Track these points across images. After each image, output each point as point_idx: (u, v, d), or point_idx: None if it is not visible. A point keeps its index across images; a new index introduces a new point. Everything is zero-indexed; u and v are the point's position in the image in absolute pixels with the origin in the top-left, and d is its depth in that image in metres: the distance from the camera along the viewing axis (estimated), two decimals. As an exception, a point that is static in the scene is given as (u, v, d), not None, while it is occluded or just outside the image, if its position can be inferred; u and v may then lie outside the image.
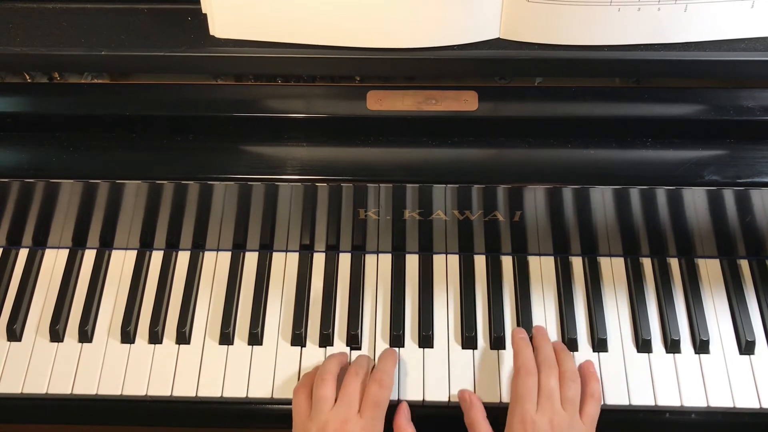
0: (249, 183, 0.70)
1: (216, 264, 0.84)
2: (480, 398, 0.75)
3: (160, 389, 0.76)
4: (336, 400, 0.70)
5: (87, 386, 0.76)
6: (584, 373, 0.75)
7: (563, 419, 0.70)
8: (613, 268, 0.83)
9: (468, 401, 0.74)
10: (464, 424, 0.75)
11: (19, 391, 0.76)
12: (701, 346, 0.77)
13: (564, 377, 0.73)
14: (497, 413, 0.73)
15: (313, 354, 0.78)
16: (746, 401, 0.74)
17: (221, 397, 0.76)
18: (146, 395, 0.76)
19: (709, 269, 0.82)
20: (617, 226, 0.78)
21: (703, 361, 0.77)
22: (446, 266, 0.83)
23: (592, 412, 0.72)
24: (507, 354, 0.77)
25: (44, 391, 0.76)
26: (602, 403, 0.74)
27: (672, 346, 0.77)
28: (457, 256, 0.83)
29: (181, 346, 0.79)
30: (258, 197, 0.73)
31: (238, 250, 0.84)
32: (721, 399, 0.74)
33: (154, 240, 0.83)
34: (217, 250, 0.84)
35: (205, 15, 0.65)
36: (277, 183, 0.69)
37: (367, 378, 0.73)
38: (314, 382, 0.72)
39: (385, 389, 0.71)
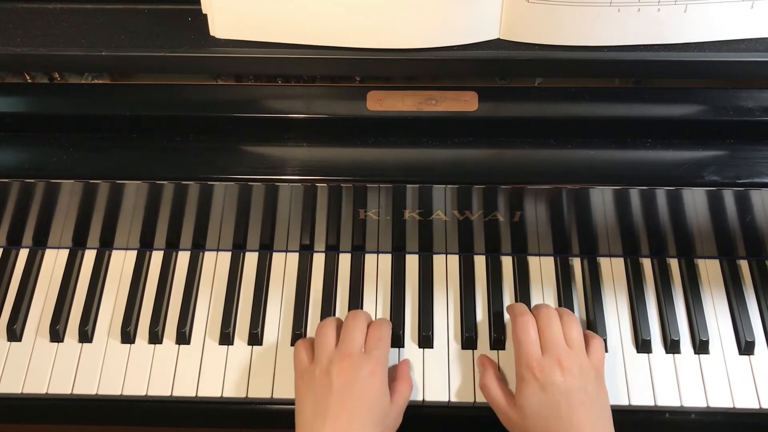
0: (249, 183, 0.70)
1: (216, 264, 0.84)
2: (493, 362, 0.75)
3: (160, 389, 0.76)
4: (338, 343, 0.71)
5: (87, 386, 0.76)
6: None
7: (572, 359, 0.68)
8: (612, 268, 0.83)
9: (481, 365, 0.75)
10: (464, 424, 0.75)
11: (19, 391, 0.76)
12: (701, 347, 0.77)
13: (563, 319, 0.72)
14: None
15: (313, 354, 0.78)
16: (746, 401, 0.74)
17: (221, 397, 0.76)
18: (146, 395, 0.76)
19: (709, 270, 0.82)
20: (617, 227, 0.78)
21: (702, 361, 0.77)
22: (446, 266, 0.83)
23: (599, 353, 0.72)
24: (507, 354, 0.77)
25: (44, 391, 0.76)
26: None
27: (672, 346, 0.77)
28: (457, 257, 0.83)
29: (181, 346, 0.79)
30: (258, 197, 0.73)
31: (238, 250, 0.84)
32: (720, 399, 0.75)
33: (154, 240, 0.83)
34: (217, 250, 0.84)
35: (205, 15, 0.65)
36: (277, 183, 0.69)
37: (365, 324, 0.74)
38: (316, 329, 0.73)
39: (384, 327, 0.73)
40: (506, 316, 0.80)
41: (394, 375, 0.74)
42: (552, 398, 0.66)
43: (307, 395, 0.68)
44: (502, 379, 0.75)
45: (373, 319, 0.79)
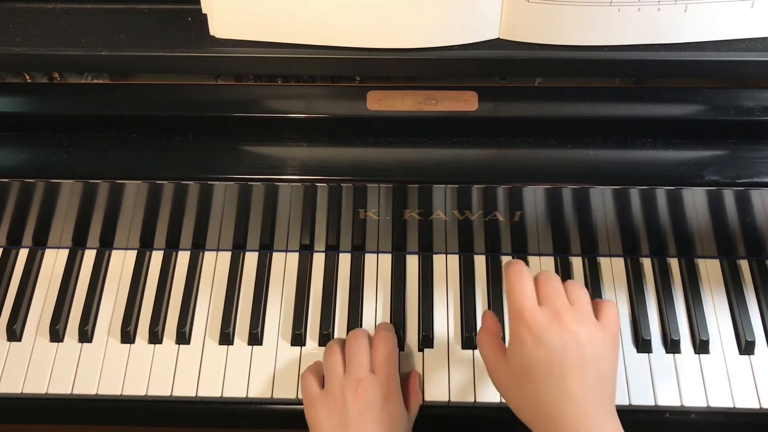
0: (249, 183, 0.70)
1: (216, 264, 0.84)
2: (495, 320, 0.69)
3: (160, 389, 0.76)
4: (345, 369, 0.70)
5: (87, 386, 0.76)
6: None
7: (574, 315, 0.59)
8: (613, 268, 0.83)
9: (482, 320, 0.69)
10: (464, 425, 0.75)
11: (19, 391, 0.76)
12: (701, 346, 0.77)
13: (568, 283, 0.63)
14: (500, 414, 0.73)
15: (313, 354, 0.78)
16: (746, 401, 0.74)
17: (221, 397, 0.76)
18: (146, 395, 0.76)
19: (709, 269, 0.82)
20: (617, 226, 0.78)
21: (703, 361, 0.77)
22: (446, 266, 0.83)
23: (613, 317, 0.62)
24: (507, 354, 0.78)
25: (44, 391, 0.76)
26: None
27: (672, 346, 0.77)
28: (457, 256, 0.83)
29: (181, 346, 0.79)
30: (258, 197, 0.73)
31: (238, 250, 0.84)
32: (720, 399, 0.74)
33: (154, 240, 0.83)
34: (217, 250, 0.84)
35: (205, 15, 0.65)
36: (277, 183, 0.69)
37: (369, 342, 0.73)
38: (323, 356, 0.73)
39: (390, 342, 0.72)
40: (506, 315, 0.79)
41: (405, 388, 0.73)
42: (545, 356, 0.58)
43: (323, 425, 0.67)
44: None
45: (374, 321, 0.79)
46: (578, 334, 0.59)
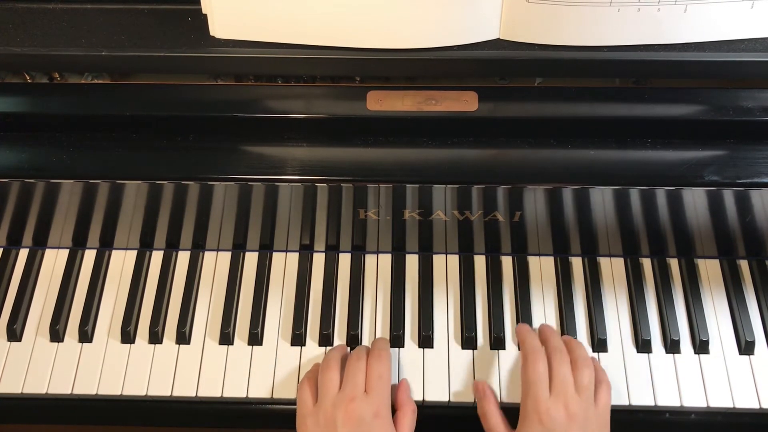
0: (249, 183, 0.70)
1: (216, 264, 0.84)
2: (493, 389, 0.75)
3: (160, 389, 0.76)
4: (341, 385, 0.70)
5: (87, 386, 0.76)
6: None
7: (579, 406, 0.67)
8: (613, 268, 0.83)
9: (481, 392, 0.74)
10: (464, 425, 0.75)
11: (19, 391, 0.76)
12: (701, 347, 0.77)
13: (576, 364, 0.70)
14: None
15: (313, 354, 0.78)
16: (746, 401, 0.74)
17: (221, 397, 0.76)
18: (146, 395, 0.76)
19: (709, 269, 0.82)
20: (617, 227, 0.78)
21: (702, 361, 0.77)
22: (446, 266, 0.83)
23: (606, 400, 0.71)
24: (507, 354, 0.78)
25: (44, 391, 0.76)
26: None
27: (672, 346, 0.77)
28: (457, 257, 0.83)
29: (181, 346, 0.79)
30: (258, 197, 0.73)
31: (238, 250, 0.84)
32: (720, 399, 0.75)
33: (154, 240, 0.83)
34: (217, 250, 0.84)
35: (205, 15, 0.65)
36: (277, 183, 0.69)
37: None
38: (319, 370, 0.72)
39: (384, 361, 0.72)
40: (507, 317, 0.80)
41: (395, 402, 0.73)
42: None
43: None
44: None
45: (374, 321, 0.79)
46: (581, 425, 0.67)
